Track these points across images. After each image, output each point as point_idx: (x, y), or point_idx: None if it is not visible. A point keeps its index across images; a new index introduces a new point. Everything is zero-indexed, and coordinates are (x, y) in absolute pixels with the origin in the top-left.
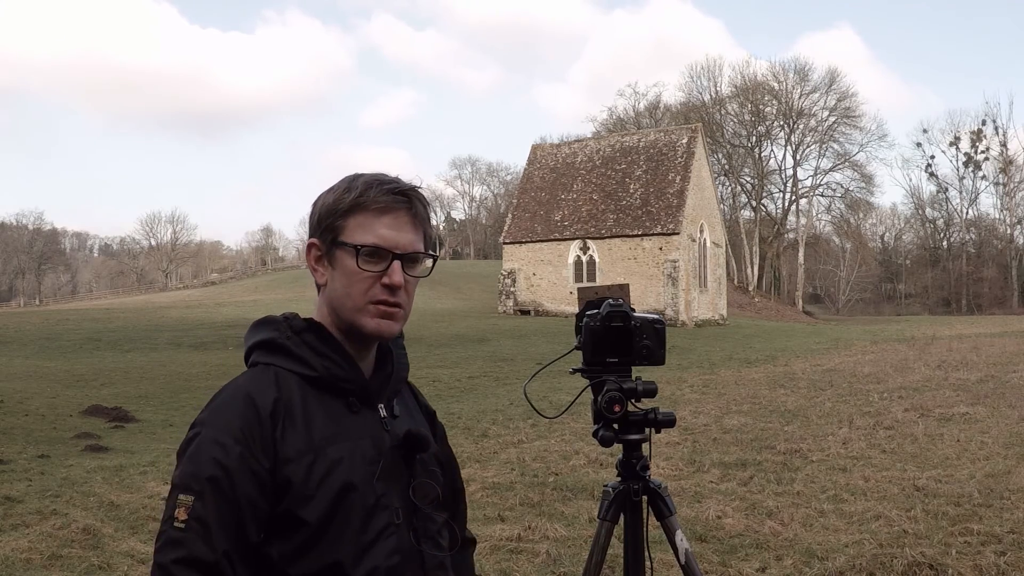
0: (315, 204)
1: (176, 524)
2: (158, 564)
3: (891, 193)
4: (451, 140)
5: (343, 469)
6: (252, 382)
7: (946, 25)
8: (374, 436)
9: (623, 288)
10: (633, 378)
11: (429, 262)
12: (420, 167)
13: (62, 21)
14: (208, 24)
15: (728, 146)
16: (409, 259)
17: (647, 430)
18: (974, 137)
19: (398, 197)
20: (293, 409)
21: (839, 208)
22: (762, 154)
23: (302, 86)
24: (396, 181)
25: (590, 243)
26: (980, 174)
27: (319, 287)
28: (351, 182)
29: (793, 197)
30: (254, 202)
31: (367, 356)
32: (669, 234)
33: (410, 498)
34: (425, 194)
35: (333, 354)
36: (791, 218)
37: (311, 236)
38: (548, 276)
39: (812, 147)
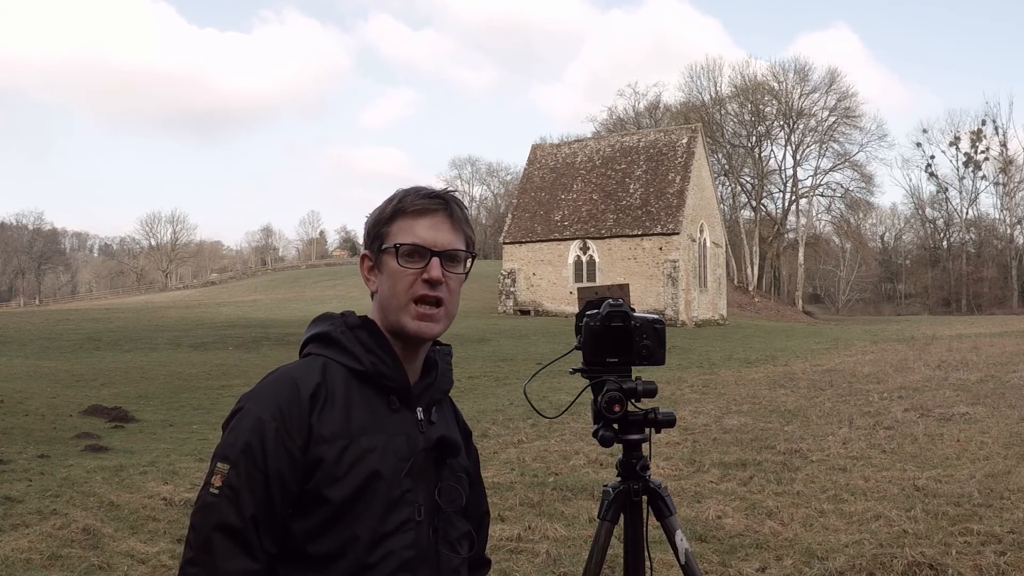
0: (366, 222)
1: (211, 490)
2: (192, 525)
3: (891, 193)
4: (449, 140)
5: (374, 458)
6: (299, 368)
7: (945, 25)
8: (409, 435)
9: (623, 288)
10: (633, 378)
11: (470, 262)
12: (419, 167)
13: (60, 21)
14: (206, 24)
15: (728, 146)
16: (448, 257)
17: (647, 430)
18: (974, 137)
19: (434, 200)
20: (335, 396)
21: (839, 208)
22: (762, 154)
23: (300, 86)
24: (429, 189)
25: (590, 243)
26: (980, 174)
27: (373, 296)
28: (393, 195)
29: (793, 197)
30: (254, 202)
31: (414, 361)
32: (669, 234)
33: (435, 499)
34: (462, 198)
35: (381, 352)
36: (791, 218)
37: (364, 249)
38: (548, 276)
39: (812, 147)
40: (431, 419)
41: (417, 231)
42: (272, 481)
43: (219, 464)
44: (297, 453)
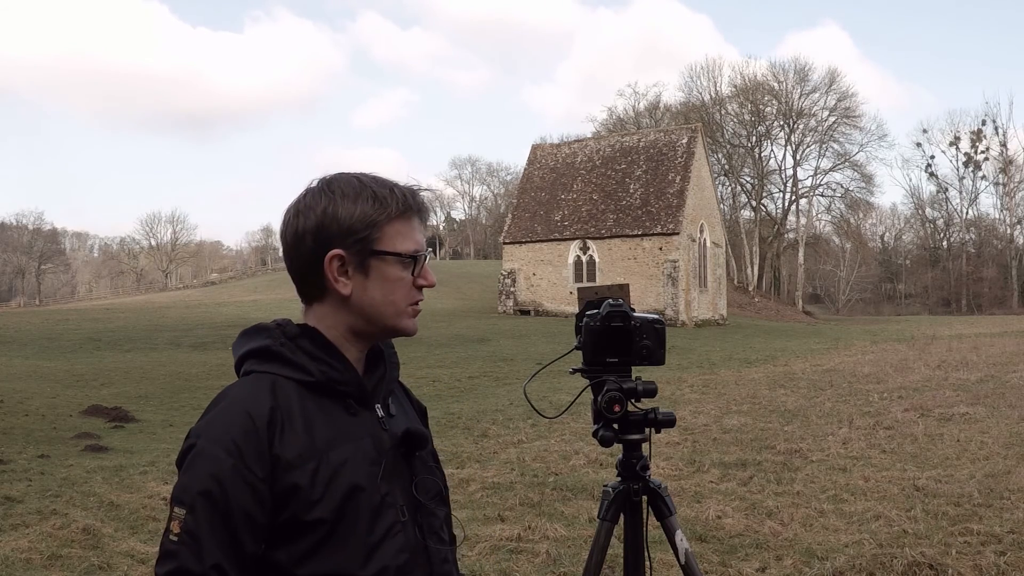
0: (328, 212)
1: (171, 537)
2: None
3: (891, 193)
4: (444, 140)
5: (348, 471)
6: (247, 392)
7: (944, 25)
8: (374, 436)
9: (623, 288)
10: (633, 378)
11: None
12: (414, 167)
13: (56, 21)
14: (198, 23)
15: (728, 146)
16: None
17: (647, 430)
18: (974, 137)
19: (421, 202)
20: (292, 416)
21: (839, 208)
22: (762, 154)
23: (295, 86)
24: (409, 187)
25: (590, 243)
26: (980, 174)
27: (339, 297)
28: (375, 189)
29: (793, 197)
30: (254, 202)
31: (361, 358)
32: (669, 234)
33: (413, 495)
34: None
35: (329, 358)
36: (791, 218)
37: (333, 247)
38: (548, 276)
39: (812, 147)
40: (390, 413)
41: (415, 235)
42: (236, 520)
43: (176, 509)
44: (261, 486)
